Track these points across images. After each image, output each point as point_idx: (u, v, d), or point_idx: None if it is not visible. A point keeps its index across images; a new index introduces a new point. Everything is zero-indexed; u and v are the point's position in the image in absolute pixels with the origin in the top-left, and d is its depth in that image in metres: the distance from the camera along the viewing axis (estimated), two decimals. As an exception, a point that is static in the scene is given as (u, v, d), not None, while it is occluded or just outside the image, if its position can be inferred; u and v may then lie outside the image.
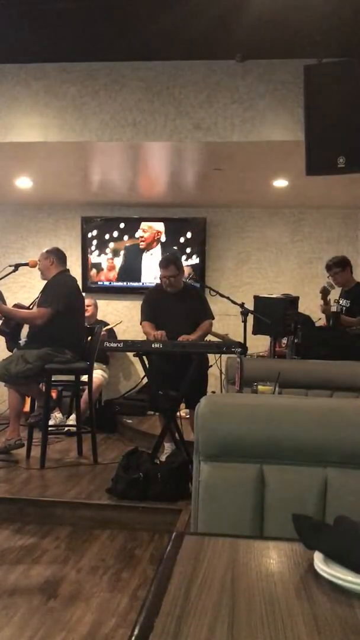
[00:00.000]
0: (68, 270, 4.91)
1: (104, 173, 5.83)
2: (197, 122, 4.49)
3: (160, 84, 4.51)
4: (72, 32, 4.09)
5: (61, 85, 4.58)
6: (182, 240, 6.78)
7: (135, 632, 0.76)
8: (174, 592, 0.86)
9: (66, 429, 5.42)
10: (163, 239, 6.77)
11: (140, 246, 6.80)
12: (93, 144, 4.70)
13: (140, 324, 4.70)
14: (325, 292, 5.14)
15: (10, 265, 4.91)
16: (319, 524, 1.09)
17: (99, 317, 6.60)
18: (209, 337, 4.94)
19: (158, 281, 4.87)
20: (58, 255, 4.83)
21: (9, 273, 4.85)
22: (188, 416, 4.72)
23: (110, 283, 6.92)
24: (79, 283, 5.24)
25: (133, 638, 0.75)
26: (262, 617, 0.80)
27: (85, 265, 6.92)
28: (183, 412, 4.77)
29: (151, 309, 4.67)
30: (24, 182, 5.96)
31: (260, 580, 0.93)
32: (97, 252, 6.90)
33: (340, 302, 5.18)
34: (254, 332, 4.58)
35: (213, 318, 4.76)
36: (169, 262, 4.57)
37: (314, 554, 0.96)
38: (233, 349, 4.05)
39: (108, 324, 6.48)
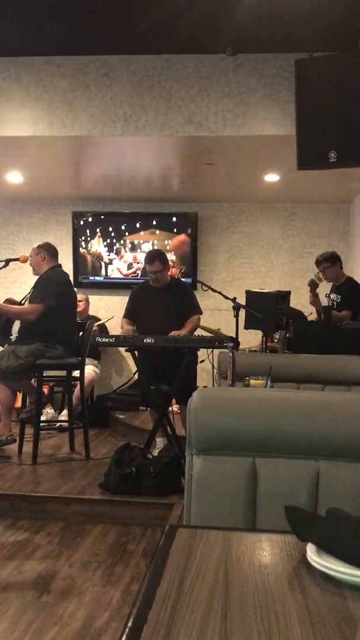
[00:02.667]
0: (60, 265, 4.89)
1: (94, 168, 5.81)
2: (188, 117, 4.48)
3: (151, 78, 4.50)
4: (62, 25, 4.07)
5: (52, 79, 4.55)
6: (173, 235, 6.77)
7: (129, 624, 0.76)
8: (167, 585, 0.87)
9: (58, 424, 5.41)
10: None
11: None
12: (83, 139, 4.69)
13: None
14: (313, 285, 5.16)
15: (0, 261, 4.89)
16: (311, 516, 1.10)
17: (91, 312, 6.58)
18: (202, 332, 4.94)
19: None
20: (49, 251, 4.81)
21: (0, 268, 4.83)
22: (179, 411, 4.72)
23: (103, 278, 6.92)
24: (71, 278, 5.22)
25: (127, 630, 0.75)
26: (255, 609, 0.81)
27: (77, 260, 6.91)
28: (175, 407, 4.78)
29: (134, 306, 4.75)
30: (14, 177, 5.93)
31: (253, 572, 0.93)
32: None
33: (331, 296, 5.19)
34: (246, 327, 4.58)
35: (201, 312, 4.77)
36: (154, 258, 4.59)
37: (306, 546, 0.97)
38: (225, 344, 4.05)
39: (100, 319, 6.46)
